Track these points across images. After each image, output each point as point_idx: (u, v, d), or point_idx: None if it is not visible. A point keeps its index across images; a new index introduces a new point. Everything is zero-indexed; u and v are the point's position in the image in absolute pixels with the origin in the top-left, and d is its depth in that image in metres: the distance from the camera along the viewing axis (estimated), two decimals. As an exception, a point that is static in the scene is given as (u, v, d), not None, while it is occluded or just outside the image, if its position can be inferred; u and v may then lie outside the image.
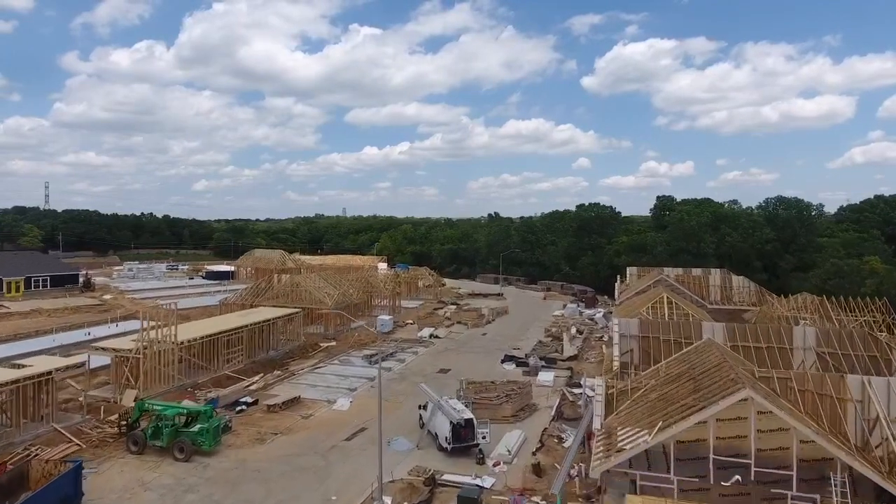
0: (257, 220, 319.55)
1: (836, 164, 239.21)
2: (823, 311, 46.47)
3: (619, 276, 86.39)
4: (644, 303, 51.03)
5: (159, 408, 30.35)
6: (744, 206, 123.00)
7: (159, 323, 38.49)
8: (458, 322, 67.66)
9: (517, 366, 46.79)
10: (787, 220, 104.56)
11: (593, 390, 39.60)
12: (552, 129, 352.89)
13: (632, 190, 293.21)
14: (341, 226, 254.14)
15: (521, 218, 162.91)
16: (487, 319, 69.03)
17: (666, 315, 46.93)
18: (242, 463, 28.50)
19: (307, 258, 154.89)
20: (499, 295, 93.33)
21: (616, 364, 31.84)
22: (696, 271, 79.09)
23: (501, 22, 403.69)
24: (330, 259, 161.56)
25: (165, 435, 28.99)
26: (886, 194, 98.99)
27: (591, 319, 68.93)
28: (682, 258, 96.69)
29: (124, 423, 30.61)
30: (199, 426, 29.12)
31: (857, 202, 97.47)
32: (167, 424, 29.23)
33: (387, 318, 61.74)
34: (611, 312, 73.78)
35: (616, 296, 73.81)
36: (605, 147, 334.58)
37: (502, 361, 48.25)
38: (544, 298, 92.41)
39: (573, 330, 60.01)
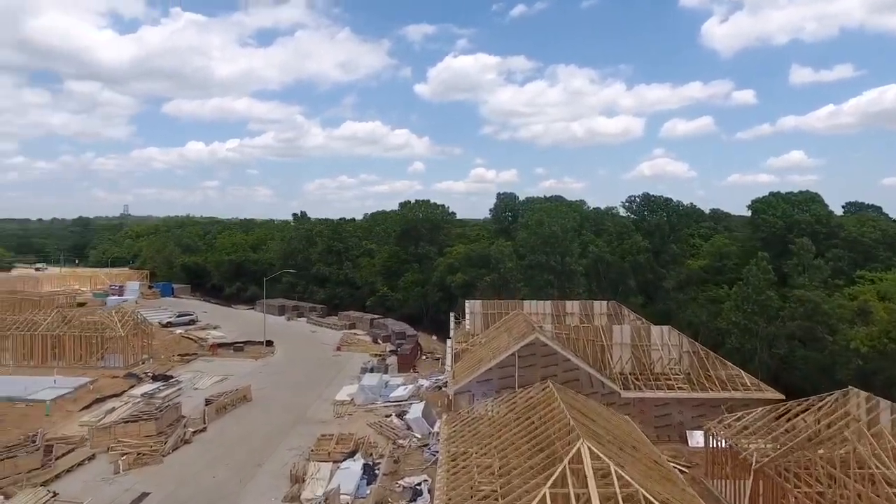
0: (39, 220, 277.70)
1: (629, 176, 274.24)
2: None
3: (453, 315, 54.51)
4: (531, 460, 18.26)
5: None
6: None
7: None
8: (114, 449, 30.06)
9: None
10: (658, 225, 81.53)
11: None
12: (388, 132, 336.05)
13: (463, 195, 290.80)
14: (122, 229, 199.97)
15: (342, 220, 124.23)
16: (181, 436, 32.02)
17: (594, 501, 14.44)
18: None
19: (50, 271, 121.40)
20: (265, 344, 56.59)
21: None
22: (573, 308, 49.74)
23: (337, 22, 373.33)
24: (60, 274, 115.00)
25: None
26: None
27: (401, 417, 35.12)
28: (541, 277, 68.24)
29: None
30: None
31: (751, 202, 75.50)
32: None
33: None
34: (441, 387, 40.91)
35: (448, 364, 40.72)
36: (437, 153, 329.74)
37: None
38: (338, 349, 57.35)
39: (350, 486, 25.49)
